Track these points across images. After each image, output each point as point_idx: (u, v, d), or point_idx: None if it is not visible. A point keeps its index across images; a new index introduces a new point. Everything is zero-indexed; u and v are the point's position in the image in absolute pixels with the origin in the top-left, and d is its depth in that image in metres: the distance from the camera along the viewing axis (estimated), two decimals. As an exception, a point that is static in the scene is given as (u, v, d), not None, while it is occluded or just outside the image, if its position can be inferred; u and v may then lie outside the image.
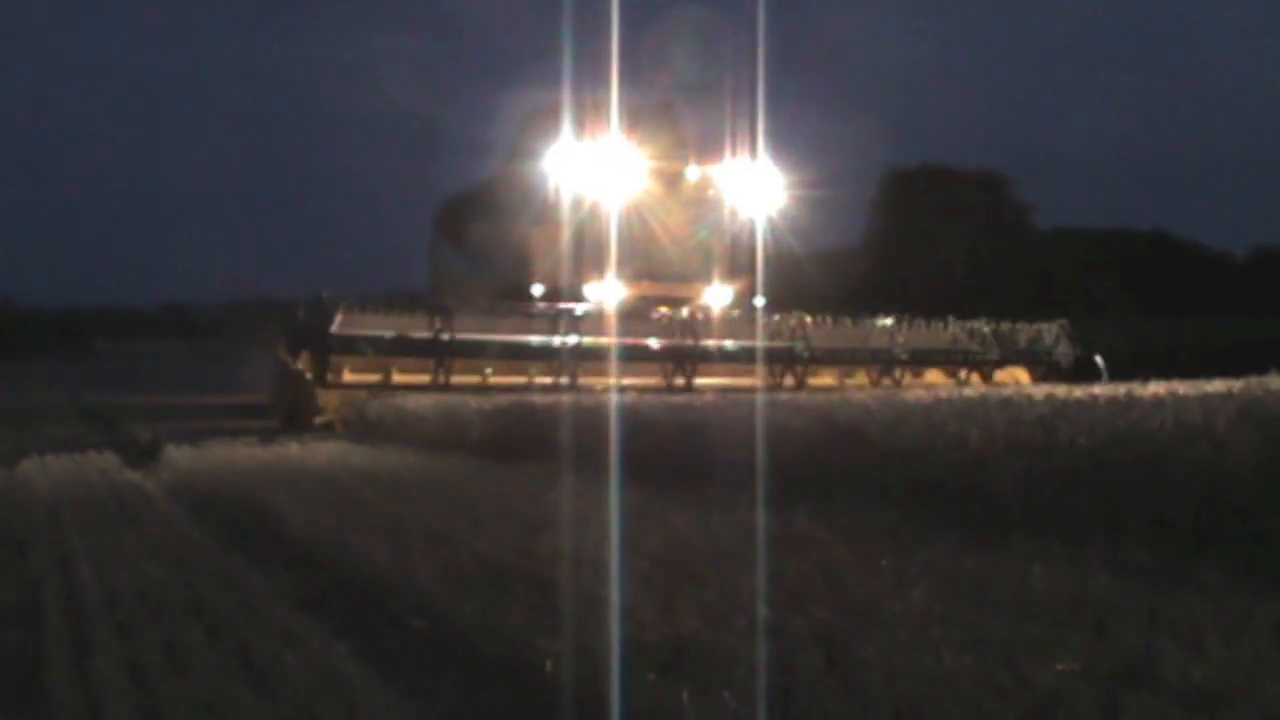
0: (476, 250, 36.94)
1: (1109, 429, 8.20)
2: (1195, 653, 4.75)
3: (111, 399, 32.81)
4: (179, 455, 15.84)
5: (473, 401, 17.90)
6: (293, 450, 16.73)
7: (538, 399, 17.47)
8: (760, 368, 25.45)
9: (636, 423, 12.87)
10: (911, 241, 55.83)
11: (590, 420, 13.81)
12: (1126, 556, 6.61)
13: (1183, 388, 13.27)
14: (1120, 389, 13.40)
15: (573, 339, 24.24)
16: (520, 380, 23.60)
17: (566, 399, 16.89)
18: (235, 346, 48.04)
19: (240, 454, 16.25)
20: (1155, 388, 14.00)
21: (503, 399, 17.79)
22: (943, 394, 14.19)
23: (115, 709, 5.25)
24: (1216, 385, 12.13)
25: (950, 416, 9.74)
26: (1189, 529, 7.08)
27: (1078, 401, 9.59)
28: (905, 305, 30.97)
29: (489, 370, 23.90)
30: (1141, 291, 56.35)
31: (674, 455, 11.71)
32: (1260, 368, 13.97)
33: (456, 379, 22.96)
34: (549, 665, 5.32)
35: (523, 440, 14.82)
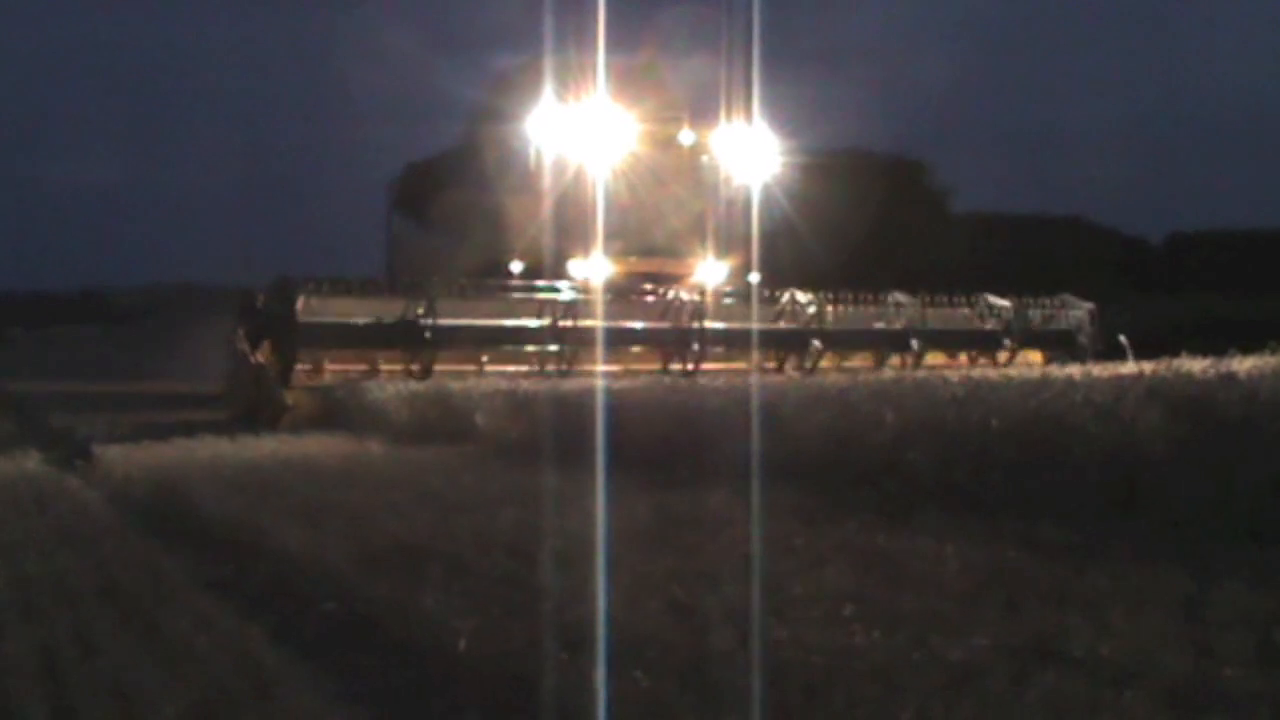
0: (443, 224, 32.60)
1: (1021, 409, 8.31)
2: (1103, 628, 4.82)
3: (31, 389, 32.05)
4: (107, 454, 15.42)
5: (390, 387, 17.71)
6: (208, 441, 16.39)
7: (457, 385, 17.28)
8: (754, 352, 23.16)
9: (558, 407, 12.85)
10: (826, 225, 55.72)
11: (509, 405, 13.78)
12: (1038, 534, 6.71)
13: (1097, 369, 13.45)
14: (1036, 371, 13.56)
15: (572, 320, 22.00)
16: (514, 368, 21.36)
17: (486, 384, 16.77)
18: (161, 333, 47.15)
19: (161, 445, 15.90)
20: (1071, 369, 14.17)
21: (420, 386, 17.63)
22: (861, 376, 14.28)
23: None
24: (1129, 366, 12.30)
25: (866, 398, 9.82)
26: (1098, 506, 7.20)
27: (991, 383, 9.69)
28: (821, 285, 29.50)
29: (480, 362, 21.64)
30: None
31: (594, 439, 11.69)
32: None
33: (442, 366, 20.69)
34: (462, 644, 5.30)
35: (444, 424, 14.78)
